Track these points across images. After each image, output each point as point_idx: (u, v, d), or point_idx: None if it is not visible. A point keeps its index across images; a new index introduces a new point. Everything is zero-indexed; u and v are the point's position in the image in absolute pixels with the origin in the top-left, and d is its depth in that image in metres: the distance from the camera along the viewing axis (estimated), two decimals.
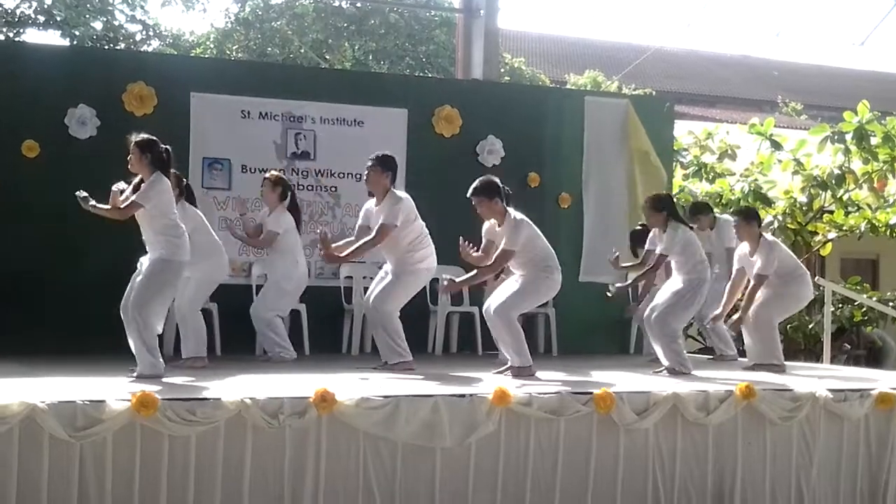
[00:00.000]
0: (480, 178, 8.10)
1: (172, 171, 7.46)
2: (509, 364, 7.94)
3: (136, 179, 7.23)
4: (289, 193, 9.11)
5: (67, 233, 9.14)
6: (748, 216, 9.29)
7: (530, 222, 8.01)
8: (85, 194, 7.04)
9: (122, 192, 7.22)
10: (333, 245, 8.18)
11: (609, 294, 9.54)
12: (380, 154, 8.24)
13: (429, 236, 8.23)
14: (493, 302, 8.01)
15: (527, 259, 7.98)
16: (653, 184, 11.37)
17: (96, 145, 9.45)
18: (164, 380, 6.79)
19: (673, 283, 8.70)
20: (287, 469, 5.78)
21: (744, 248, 9.16)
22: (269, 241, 9.03)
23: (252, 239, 9.23)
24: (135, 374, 6.94)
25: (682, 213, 10.01)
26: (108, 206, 7.14)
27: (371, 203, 8.23)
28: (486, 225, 8.13)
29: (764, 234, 9.25)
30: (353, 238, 8.28)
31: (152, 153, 7.18)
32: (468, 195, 7.97)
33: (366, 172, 8.21)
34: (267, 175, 9.19)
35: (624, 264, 9.24)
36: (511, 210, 8.00)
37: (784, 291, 9.05)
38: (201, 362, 8.08)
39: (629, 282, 9.51)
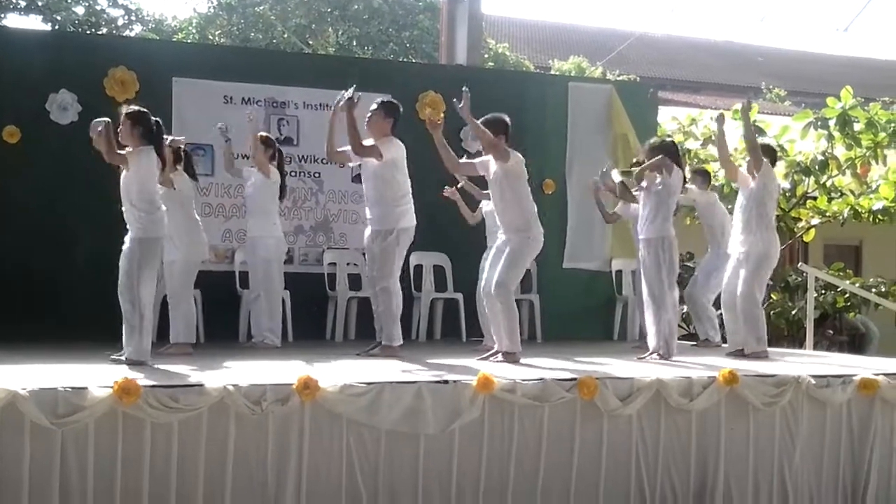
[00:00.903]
0: (493, 114, 8.09)
1: (173, 141, 7.47)
2: (496, 349, 7.93)
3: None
4: (277, 155, 9.14)
5: (49, 219, 9.11)
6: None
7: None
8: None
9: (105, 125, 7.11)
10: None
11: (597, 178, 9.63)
12: (384, 99, 8.33)
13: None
14: (489, 281, 8.00)
15: (514, 204, 8.02)
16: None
17: (78, 131, 9.34)
18: (147, 366, 6.76)
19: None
20: (270, 456, 5.77)
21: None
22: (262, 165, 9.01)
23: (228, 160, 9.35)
24: (121, 358, 6.92)
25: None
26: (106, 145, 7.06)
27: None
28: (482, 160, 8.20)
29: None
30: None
31: (143, 125, 7.20)
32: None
33: (368, 116, 8.23)
34: (258, 135, 9.14)
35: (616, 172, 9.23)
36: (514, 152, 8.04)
37: (754, 257, 8.91)
38: (187, 349, 8.06)
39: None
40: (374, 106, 8.24)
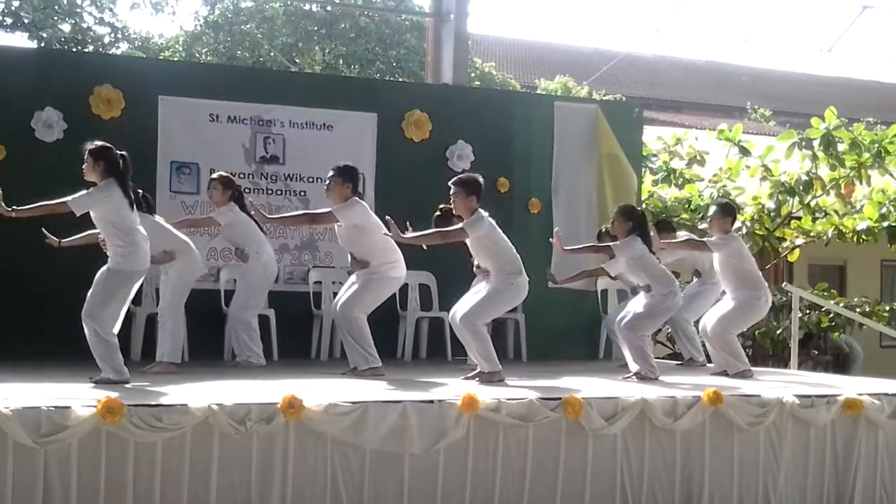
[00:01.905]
0: (467, 173, 8.19)
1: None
2: (478, 370, 7.93)
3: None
4: (237, 194, 9.11)
5: (34, 237, 9.05)
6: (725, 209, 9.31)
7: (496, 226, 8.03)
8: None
9: None
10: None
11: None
12: (341, 164, 8.31)
13: (396, 246, 8.22)
14: (459, 309, 8.02)
15: (492, 256, 8.00)
16: (623, 189, 11.41)
17: (63, 148, 9.35)
18: (130, 385, 6.74)
19: (643, 296, 8.74)
20: (254, 476, 5.75)
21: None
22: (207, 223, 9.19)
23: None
24: (95, 380, 6.89)
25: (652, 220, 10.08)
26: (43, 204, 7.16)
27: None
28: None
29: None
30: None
31: (105, 161, 7.12)
32: (450, 182, 7.98)
33: (327, 184, 8.25)
34: (215, 176, 9.13)
35: (568, 247, 9.16)
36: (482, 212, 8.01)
37: (741, 299, 9.03)
38: (171, 368, 8.04)
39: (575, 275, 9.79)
40: (332, 172, 8.24)
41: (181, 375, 7.65)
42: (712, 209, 9.50)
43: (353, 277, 8.37)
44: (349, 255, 8.35)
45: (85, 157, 7.13)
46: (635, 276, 8.86)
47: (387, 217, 7.91)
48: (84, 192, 7.10)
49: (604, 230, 10.02)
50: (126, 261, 7.10)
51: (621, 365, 9.17)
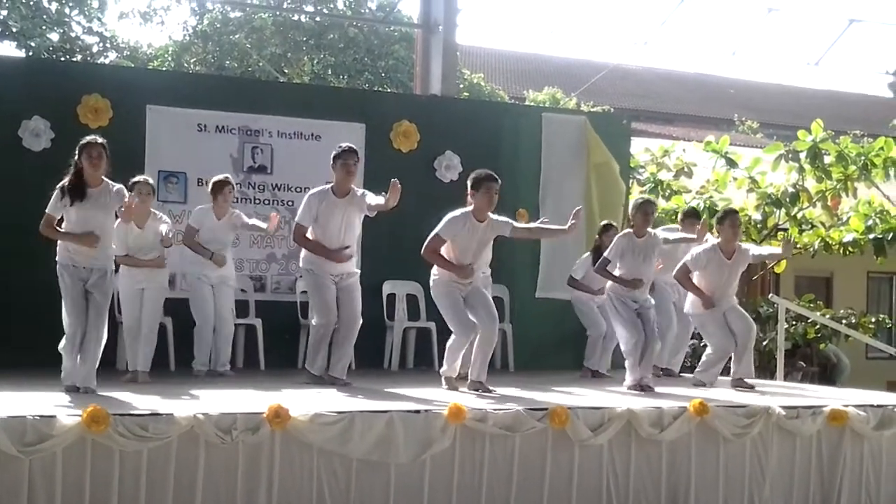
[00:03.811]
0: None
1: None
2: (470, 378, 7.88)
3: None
4: None
5: (21, 246, 9.04)
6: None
7: None
8: None
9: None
10: None
11: None
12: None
13: (325, 237, 8.23)
14: (494, 314, 8.01)
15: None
16: (612, 199, 11.43)
17: (50, 157, 9.32)
18: (118, 395, 6.72)
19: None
20: (240, 485, 5.74)
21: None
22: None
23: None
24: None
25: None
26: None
27: None
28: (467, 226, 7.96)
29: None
30: None
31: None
32: (496, 179, 7.96)
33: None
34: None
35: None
36: None
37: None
38: (146, 377, 8.05)
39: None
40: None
41: (167, 385, 7.64)
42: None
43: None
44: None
45: (100, 150, 7.18)
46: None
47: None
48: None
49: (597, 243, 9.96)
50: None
51: (609, 376, 9.18)
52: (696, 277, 9.01)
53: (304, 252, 8.35)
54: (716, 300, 8.93)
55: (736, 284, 9.24)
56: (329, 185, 8.30)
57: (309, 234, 8.25)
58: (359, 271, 8.47)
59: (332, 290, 8.23)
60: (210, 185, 8.96)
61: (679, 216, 10.71)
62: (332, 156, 8.31)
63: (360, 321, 8.32)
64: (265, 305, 9.62)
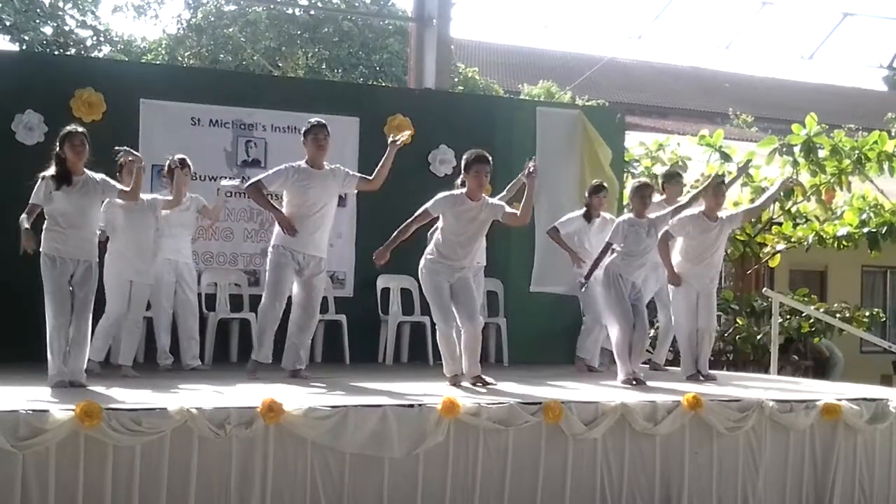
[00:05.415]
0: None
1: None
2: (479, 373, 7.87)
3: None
4: None
5: (13, 239, 9.01)
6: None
7: None
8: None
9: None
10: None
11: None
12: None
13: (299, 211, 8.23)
14: (475, 313, 8.01)
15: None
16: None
17: (44, 151, 9.28)
18: (109, 390, 6.71)
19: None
20: (234, 480, 5.73)
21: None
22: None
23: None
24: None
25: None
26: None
27: None
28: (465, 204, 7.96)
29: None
30: None
31: None
32: (488, 160, 7.95)
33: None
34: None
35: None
36: None
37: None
38: (130, 371, 8.06)
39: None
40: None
41: (160, 379, 7.65)
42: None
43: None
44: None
45: (82, 139, 7.22)
46: None
47: None
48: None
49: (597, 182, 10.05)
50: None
51: (601, 369, 9.19)
52: (680, 244, 8.98)
53: (276, 229, 8.29)
54: (699, 271, 8.93)
55: (721, 253, 9.19)
56: (304, 161, 8.27)
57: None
58: (325, 256, 8.39)
59: (289, 275, 8.20)
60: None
61: (660, 182, 10.52)
62: (302, 131, 8.28)
63: (317, 317, 8.37)
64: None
